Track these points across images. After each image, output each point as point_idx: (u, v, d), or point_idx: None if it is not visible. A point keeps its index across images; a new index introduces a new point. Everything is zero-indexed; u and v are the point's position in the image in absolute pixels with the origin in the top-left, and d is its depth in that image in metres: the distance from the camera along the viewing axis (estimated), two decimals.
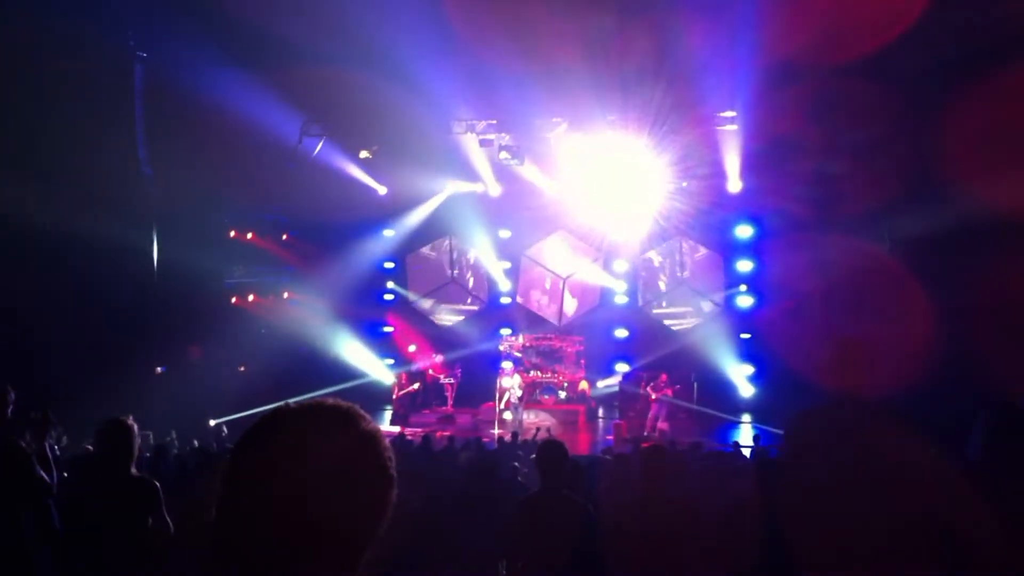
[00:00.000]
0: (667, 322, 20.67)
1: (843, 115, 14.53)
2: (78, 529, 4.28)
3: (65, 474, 5.72)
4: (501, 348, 20.02)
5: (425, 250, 21.79)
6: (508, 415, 17.62)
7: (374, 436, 1.29)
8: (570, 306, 21.37)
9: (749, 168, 17.81)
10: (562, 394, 19.38)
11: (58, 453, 7.46)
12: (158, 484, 4.47)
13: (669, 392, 17.21)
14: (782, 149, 16.68)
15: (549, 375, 19.50)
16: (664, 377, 17.48)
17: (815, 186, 16.52)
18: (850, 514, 3.47)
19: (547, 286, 21.50)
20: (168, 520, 4.37)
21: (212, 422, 15.42)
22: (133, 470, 4.42)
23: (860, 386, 3.70)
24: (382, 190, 20.31)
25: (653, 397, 17.15)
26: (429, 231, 21.13)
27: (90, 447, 6.72)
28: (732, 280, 19.73)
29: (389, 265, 21.31)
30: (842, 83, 13.77)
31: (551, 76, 14.46)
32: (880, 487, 3.45)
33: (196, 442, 11.99)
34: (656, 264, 20.90)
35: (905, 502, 3.46)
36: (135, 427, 4.41)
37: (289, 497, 1.19)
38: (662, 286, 20.97)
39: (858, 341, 3.81)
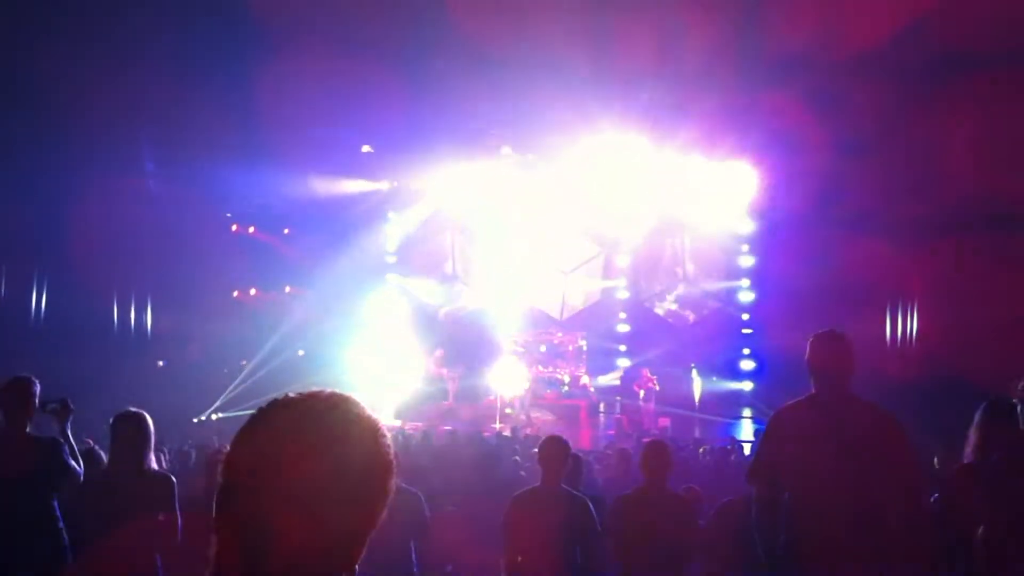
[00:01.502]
0: (669, 317, 20.66)
1: (848, 110, 14.43)
2: (89, 522, 4.30)
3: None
4: (503, 343, 20.01)
5: (427, 244, 21.75)
6: (509, 411, 17.64)
7: (371, 424, 1.29)
8: (571, 301, 21.36)
9: (754, 164, 17.83)
10: (564, 389, 19.39)
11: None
12: (173, 479, 4.50)
13: (652, 386, 17.24)
14: (785, 145, 16.63)
15: (551, 370, 19.51)
16: (645, 372, 17.54)
17: (819, 181, 16.49)
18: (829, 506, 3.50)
19: (548, 281, 21.47)
20: (179, 515, 4.39)
21: (214, 416, 15.47)
22: (151, 464, 4.46)
23: (844, 378, 3.72)
24: (384, 184, 20.30)
25: (641, 394, 17.24)
26: (431, 225, 21.12)
27: (90, 441, 6.75)
28: (733, 275, 19.75)
29: (391, 260, 21.31)
30: (848, 78, 13.70)
31: (553, 71, 14.41)
32: (855, 479, 3.47)
33: (194, 438, 12.01)
34: (657, 259, 20.86)
35: (879, 493, 3.48)
36: (150, 420, 4.44)
37: (287, 486, 1.19)
38: (664, 281, 20.93)
39: (837, 335, 3.82)
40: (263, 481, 1.20)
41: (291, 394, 1.30)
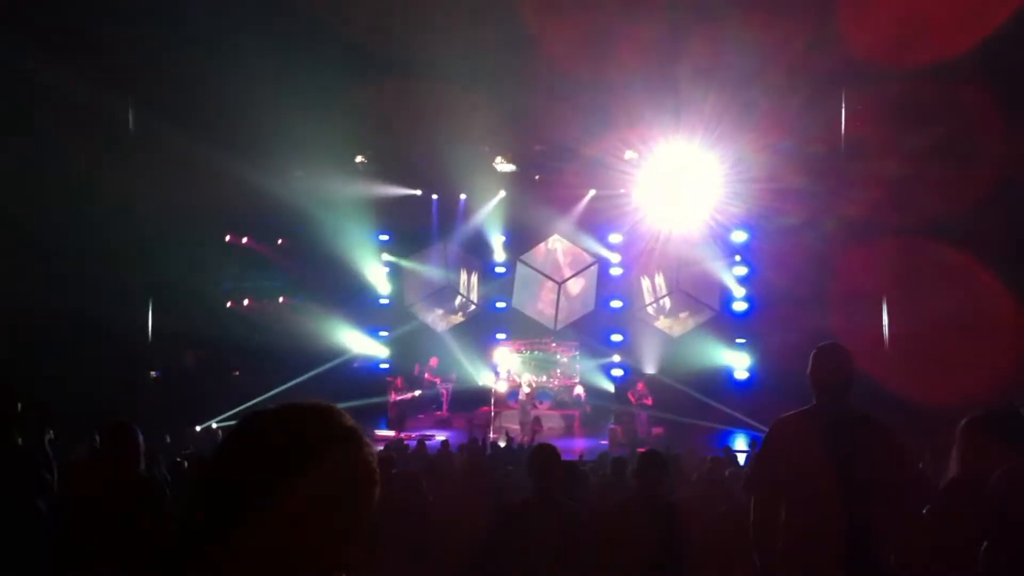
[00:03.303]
0: (662, 327, 20.68)
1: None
2: (82, 529, 4.29)
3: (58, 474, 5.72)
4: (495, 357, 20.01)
5: (420, 255, 21.75)
6: (507, 422, 17.71)
7: (352, 434, 1.30)
8: (565, 311, 21.37)
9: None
10: (557, 398, 19.39)
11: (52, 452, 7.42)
12: (164, 486, 4.50)
13: (648, 401, 17.32)
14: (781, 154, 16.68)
15: (544, 379, 19.51)
16: (641, 385, 17.60)
17: (810, 184, 16.55)
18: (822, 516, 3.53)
19: (542, 291, 21.50)
20: (172, 521, 4.39)
21: (214, 425, 15.41)
22: (141, 472, 4.46)
23: (844, 388, 3.74)
24: (378, 195, 20.30)
25: (633, 404, 17.32)
26: (424, 236, 21.14)
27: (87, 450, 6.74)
28: (727, 285, 19.76)
29: (385, 270, 21.29)
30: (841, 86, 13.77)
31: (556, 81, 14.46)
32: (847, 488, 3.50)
33: (191, 447, 11.97)
34: (652, 268, 20.88)
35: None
36: (138, 430, 4.45)
37: (270, 498, 1.20)
38: (658, 290, 20.95)
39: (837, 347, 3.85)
40: (244, 494, 1.21)
41: (270, 407, 1.31)
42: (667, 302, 20.77)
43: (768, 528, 3.75)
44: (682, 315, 20.65)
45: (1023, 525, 3.36)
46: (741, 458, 12.16)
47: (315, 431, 1.27)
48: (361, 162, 18.78)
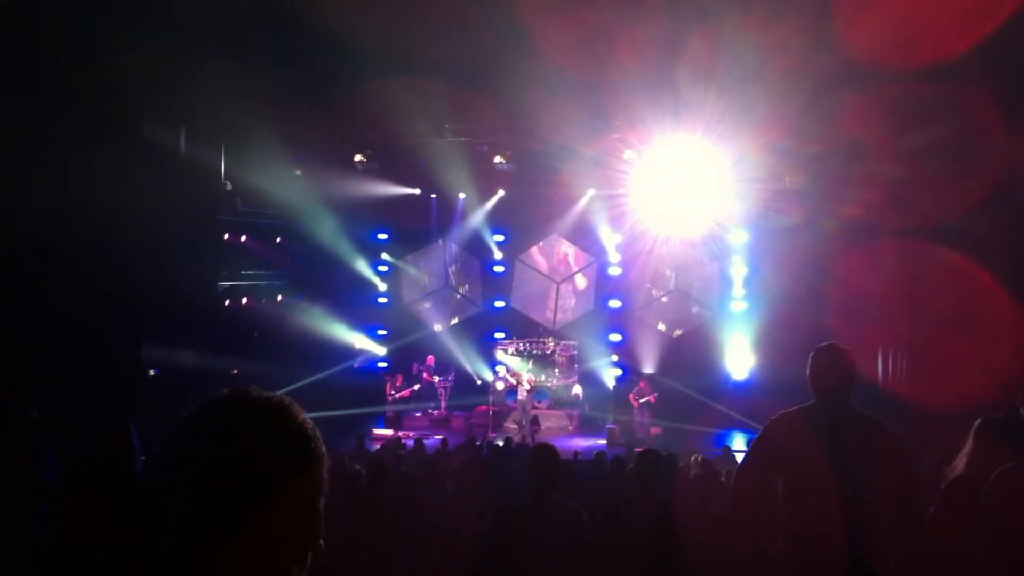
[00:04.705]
0: (661, 327, 20.68)
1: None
2: (80, 531, 4.28)
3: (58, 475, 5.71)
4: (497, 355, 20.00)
5: (419, 254, 21.76)
6: (513, 422, 17.72)
7: (267, 405, 1.29)
8: (564, 310, 21.38)
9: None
10: (556, 399, 19.39)
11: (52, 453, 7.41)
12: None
13: (651, 399, 17.35)
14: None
15: (543, 379, 19.51)
16: (643, 383, 17.62)
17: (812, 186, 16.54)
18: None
19: (541, 290, 21.50)
20: (168, 522, 4.36)
21: None
22: (138, 473, 4.46)
23: (843, 388, 3.75)
24: (377, 194, 20.30)
25: (636, 404, 17.35)
26: (423, 235, 21.15)
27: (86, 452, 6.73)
28: (727, 284, 19.77)
29: (383, 269, 21.31)
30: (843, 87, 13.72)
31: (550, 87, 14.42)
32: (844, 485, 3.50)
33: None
34: (651, 268, 20.89)
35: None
36: (134, 433, 4.44)
37: (200, 487, 1.21)
38: (657, 290, 20.96)
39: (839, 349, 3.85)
40: (177, 494, 1.24)
41: (233, 398, 1.30)
42: (666, 302, 20.77)
43: (754, 506, 3.77)
44: (681, 315, 20.66)
45: (1018, 524, 3.37)
46: (739, 458, 12.16)
47: (220, 415, 1.26)
48: (360, 161, 18.74)
